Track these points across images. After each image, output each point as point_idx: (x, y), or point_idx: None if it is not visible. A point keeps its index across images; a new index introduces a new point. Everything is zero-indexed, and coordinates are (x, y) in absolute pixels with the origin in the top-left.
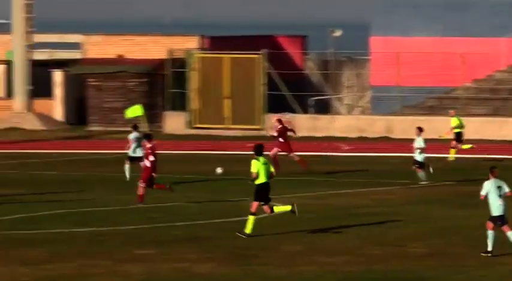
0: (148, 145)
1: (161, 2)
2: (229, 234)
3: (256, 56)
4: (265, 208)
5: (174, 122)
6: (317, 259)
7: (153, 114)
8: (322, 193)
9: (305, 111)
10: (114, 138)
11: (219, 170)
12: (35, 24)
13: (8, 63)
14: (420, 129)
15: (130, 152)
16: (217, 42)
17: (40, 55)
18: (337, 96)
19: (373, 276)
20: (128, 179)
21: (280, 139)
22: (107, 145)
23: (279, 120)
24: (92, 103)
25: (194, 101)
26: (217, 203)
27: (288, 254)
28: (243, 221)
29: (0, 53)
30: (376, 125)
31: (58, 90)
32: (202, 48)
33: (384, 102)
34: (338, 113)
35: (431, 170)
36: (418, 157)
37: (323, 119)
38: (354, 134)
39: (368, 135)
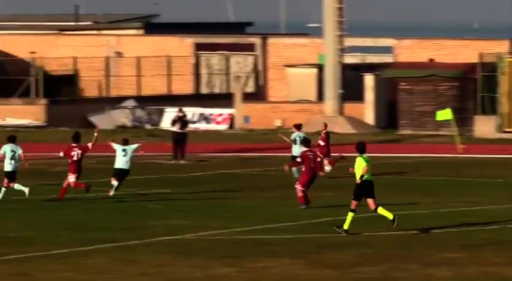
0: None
1: (468, 7)
2: None
3: None
4: (371, 202)
5: (484, 126)
6: None
7: (463, 118)
8: None
9: None
10: (424, 142)
11: None
12: (346, 27)
13: (320, 67)
14: None
15: None
16: None
17: (351, 59)
18: None
19: None
20: None
21: (322, 142)
22: (416, 148)
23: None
24: (402, 107)
25: (504, 105)
26: None
27: None
28: None
29: (312, 56)
30: None
31: (369, 94)
32: None
33: None
34: None
35: None
36: None
37: None
38: None
39: None
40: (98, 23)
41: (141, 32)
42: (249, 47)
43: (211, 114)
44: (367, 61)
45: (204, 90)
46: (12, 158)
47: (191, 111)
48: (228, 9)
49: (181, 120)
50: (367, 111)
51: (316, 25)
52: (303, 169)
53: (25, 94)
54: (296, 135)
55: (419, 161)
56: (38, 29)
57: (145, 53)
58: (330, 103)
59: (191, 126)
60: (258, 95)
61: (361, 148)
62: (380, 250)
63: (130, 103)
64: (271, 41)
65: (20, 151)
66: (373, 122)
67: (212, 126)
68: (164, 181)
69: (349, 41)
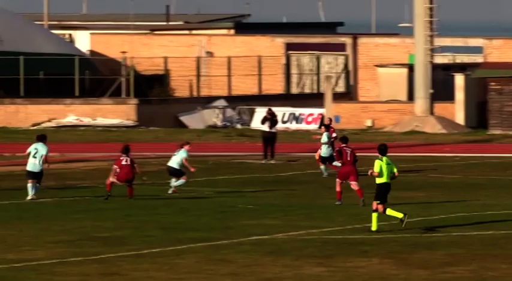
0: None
1: None
2: None
3: None
4: (380, 207)
5: None
6: None
7: None
8: None
9: None
10: None
11: None
12: (437, 27)
13: (410, 67)
14: None
15: None
16: None
17: (442, 59)
18: None
19: None
20: None
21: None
22: (507, 148)
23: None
24: (492, 107)
25: None
26: None
27: None
28: None
29: (403, 56)
30: None
31: (459, 94)
32: None
33: None
34: None
35: None
36: None
37: None
38: None
39: None
40: (189, 23)
41: (231, 32)
42: (340, 47)
43: (301, 114)
44: (457, 61)
45: (295, 90)
46: (33, 157)
47: (281, 111)
48: (319, 10)
49: (271, 120)
50: (457, 111)
51: (408, 25)
52: (339, 163)
53: (116, 94)
54: (326, 135)
55: (510, 161)
56: (129, 29)
57: (236, 53)
58: (420, 103)
59: (281, 126)
60: (348, 94)
61: (382, 150)
62: (470, 250)
63: (221, 103)
64: (362, 40)
65: (43, 152)
66: (463, 122)
67: (302, 126)
68: (254, 180)
69: (440, 41)
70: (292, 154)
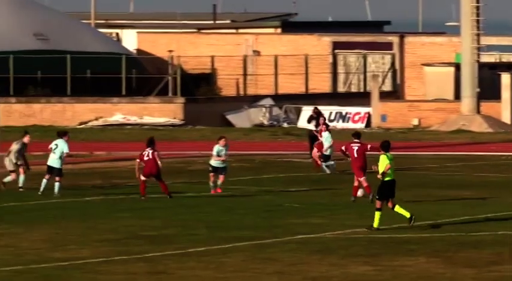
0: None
1: None
2: None
3: None
4: (389, 203)
5: None
6: None
7: None
8: None
9: None
10: None
11: None
12: (484, 26)
13: (457, 66)
14: None
15: None
16: None
17: (488, 58)
18: None
19: None
20: None
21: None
22: None
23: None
24: None
25: None
26: None
27: None
28: None
29: (450, 55)
30: None
31: (506, 93)
32: None
33: None
34: None
35: None
36: None
37: None
38: None
39: None
40: (236, 21)
41: (278, 30)
42: (387, 46)
43: (348, 113)
44: (504, 60)
45: (341, 89)
46: (53, 152)
47: (328, 110)
48: (366, 8)
49: (317, 118)
50: (504, 110)
51: (455, 24)
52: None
53: (163, 93)
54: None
55: None
56: (176, 28)
57: (283, 52)
58: (467, 102)
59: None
60: (395, 93)
61: (385, 146)
62: None
63: (268, 102)
64: (409, 39)
65: (65, 149)
66: (509, 121)
67: (349, 125)
68: (300, 179)
69: (486, 40)
70: (338, 153)
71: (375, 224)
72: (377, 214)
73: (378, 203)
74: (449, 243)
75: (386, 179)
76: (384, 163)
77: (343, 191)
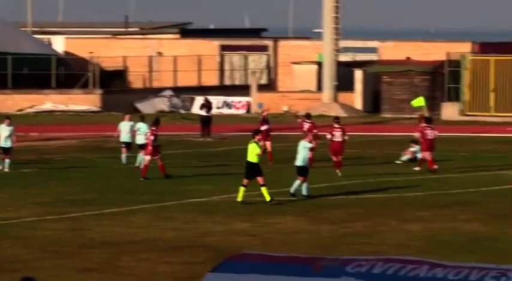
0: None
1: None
2: (496, 199)
3: None
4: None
5: (449, 111)
6: None
7: (433, 105)
8: None
9: None
10: (402, 123)
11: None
12: (341, 32)
13: (319, 64)
14: None
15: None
16: (487, 47)
17: (344, 57)
18: None
19: None
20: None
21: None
22: (396, 128)
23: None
24: (384, 95)
25: (466, 94)
26: (483, 174)
27: None
28: (502, 189)
29: (314, 55)
30: None
31: (358, 85)
32: (473, 52)
33: None
34: None
35: None
36: None
37: None
38: None
39: None
40: (143, 29)
41: (177, 36)
42: (263, 48)
43: (232, 101)
44: (357, 59)
45: (227, 82)
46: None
47: (216, 99)
48: (245, 18)
49: (207, 106)
50: (356, 99)
51: (320, 30)
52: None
53: (84, 86)
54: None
55: (397, 139)
56: (96, 34)
57: (181, 53)
58: (327, 93)
59: (216, 111)
60: (269, 86)
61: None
62: (367, 210)
63: (169, 93)
64: (281, 43)
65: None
66: (361, 108)
67: (233, 111)
68: (194, 154)
69: (343, 43)
70: (225, 133)
71: (239, 198)
72: (241, 190)
73: (244, 181)
74: (314, 205)
75: (253, 161)
76: (254, 150)
77: (230, 164)
